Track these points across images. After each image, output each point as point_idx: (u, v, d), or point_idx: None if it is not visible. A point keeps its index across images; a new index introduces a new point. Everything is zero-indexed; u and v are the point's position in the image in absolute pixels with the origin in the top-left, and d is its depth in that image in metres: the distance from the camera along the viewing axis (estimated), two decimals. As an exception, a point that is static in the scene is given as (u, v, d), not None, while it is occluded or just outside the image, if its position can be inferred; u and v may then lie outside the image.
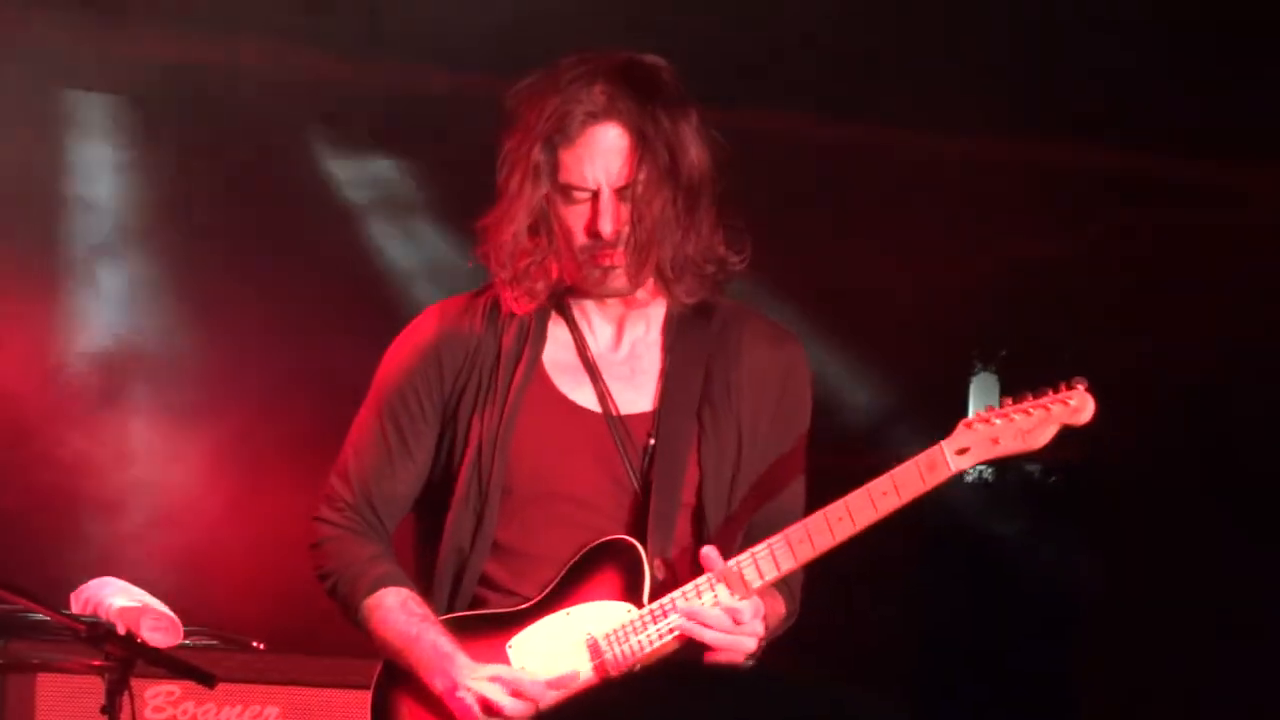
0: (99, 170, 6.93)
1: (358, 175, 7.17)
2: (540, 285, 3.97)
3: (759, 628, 3.89)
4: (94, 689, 4.56)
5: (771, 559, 3.88)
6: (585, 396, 4.02)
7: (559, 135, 3.90)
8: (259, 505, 6.90)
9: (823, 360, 6.92)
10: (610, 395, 4.01)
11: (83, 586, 5.45)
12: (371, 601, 4.01)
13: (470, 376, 4.01)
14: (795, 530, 3.88)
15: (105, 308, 6.94)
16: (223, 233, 6.97)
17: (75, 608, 5.37)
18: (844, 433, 7.08)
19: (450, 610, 4.00)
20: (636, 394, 4.03)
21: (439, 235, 7.20)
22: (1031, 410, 3.90)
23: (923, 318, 7.38)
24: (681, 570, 3.96)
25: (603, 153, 3.90)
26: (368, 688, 4.07)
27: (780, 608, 4.00)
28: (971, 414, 3.93)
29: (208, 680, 4.46)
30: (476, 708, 3.88)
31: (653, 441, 3.98)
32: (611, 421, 4.00)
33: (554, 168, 3.92)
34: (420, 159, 7.20)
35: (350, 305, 7.08)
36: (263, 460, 6.93)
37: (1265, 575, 7.18)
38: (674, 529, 3.97)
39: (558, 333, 4.05)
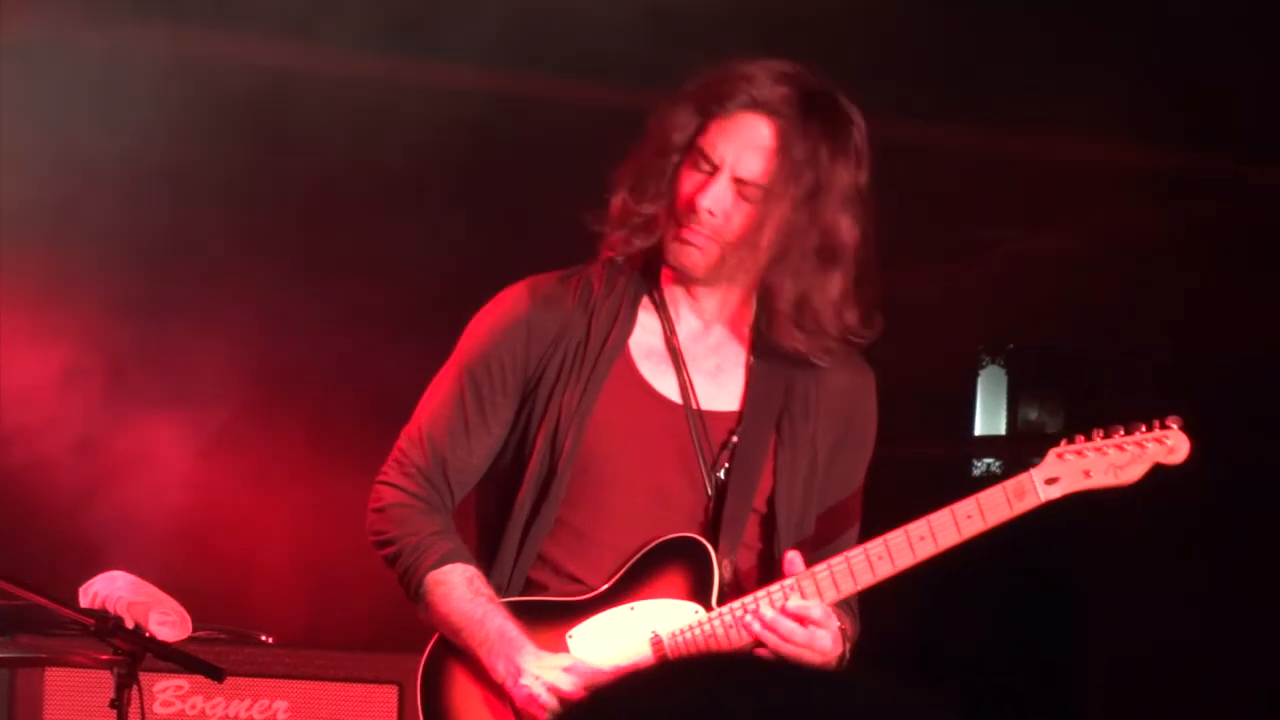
0: (112, 168, 6.93)
1: (372, 171, 7.16)
2: (641, 236, 3.94)
3: (827, 641, 3.82)
4: (102, 683, 4.56)
5: (849, 572, 3.84)
6: (668, 385, 3.98)
7: (716, 105, 3.90)
8: (267, 501, 6.91)
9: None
10: (693, 388, 3.98)
11: (91, 581, 5.46)
12: (437, 576, 3.94)
13: (555, 354, 3.96)
14: (875, 546, 3.85)
15: (113, 307, 6.94)
16: (231, 229, 6.97)
17: (84, 602, 5.37)
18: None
19: (508, 587, 3.95)
20: (719, 391, 3.99)
21: (454, 228, 7.19)
22: (1125, 446, 3.88)
23: (929, 311, 7.37)
24: (747, 576, 3.93)
25: (742, 139, 3.88)
26: (377, 682, 4.06)
27: (849, 628, 3.94)
28: (1060, 442, 3.89)
29: (216, 674, 4.46)
30: (544, 696, 3.83)
31: (735, 440, 3.95)
32: (691, 415, 3.96)
33: (699, 130, 3.90)
34: (433, 153, 7.19)
35: (360, 301, 7.08)
36: (271, 455, 6.94)
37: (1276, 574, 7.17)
38: (743, 533, 3.93)
39: (647, 319, 4.01)
